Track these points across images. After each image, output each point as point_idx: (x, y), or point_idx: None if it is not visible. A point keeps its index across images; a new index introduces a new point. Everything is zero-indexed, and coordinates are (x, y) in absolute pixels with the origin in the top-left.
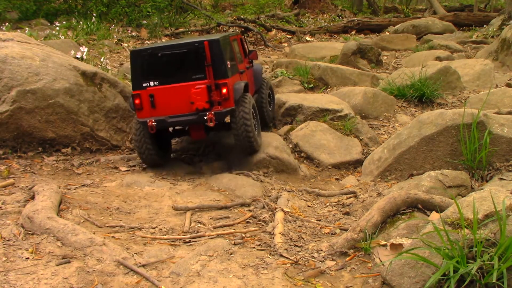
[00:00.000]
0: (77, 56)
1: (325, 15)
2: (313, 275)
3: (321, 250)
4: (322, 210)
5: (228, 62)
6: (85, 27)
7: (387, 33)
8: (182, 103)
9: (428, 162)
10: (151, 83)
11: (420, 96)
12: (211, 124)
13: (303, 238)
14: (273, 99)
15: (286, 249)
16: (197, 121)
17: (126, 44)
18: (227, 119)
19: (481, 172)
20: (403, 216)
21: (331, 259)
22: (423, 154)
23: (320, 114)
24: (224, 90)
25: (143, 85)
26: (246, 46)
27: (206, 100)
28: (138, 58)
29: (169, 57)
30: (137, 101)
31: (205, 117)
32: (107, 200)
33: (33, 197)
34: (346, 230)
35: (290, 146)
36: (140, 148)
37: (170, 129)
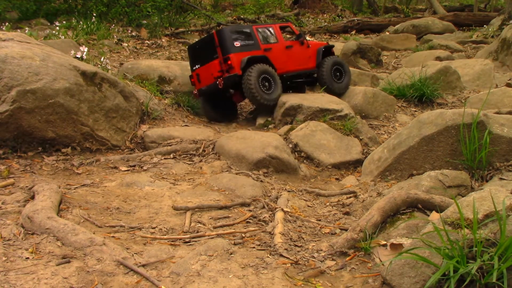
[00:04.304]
0: (77, 56)
1: (325, 15)
2: (313, 275)
3: (321, 250)
4: (322, 210)
5: (238, 43)
6: (85, 27)
7: (387, 33)
8: (209, 76)
9: (428, 162)
10: (196, 66)
11: (420, 96)
12: (220, 86)
13: (303, 238)
14: (345, 72)
15: (286, 249)
16: (214, 86)
17: (126, 44)
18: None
19: (481, 172)
20: (403, 216)
21: (331, 259)
22: (423, 154)
23: (320, 114)
24: (229, 62)
25: (194, 68)
26: (294, 31)
27: (218, 70)
28: (190, 50)
29: (200, 47)
30: (192, 79)
31: (217, 82)
32: (107, 200)
33: (33, 197)
34: (346, 230)
35: (290, 146)
36: (203, 108)
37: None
